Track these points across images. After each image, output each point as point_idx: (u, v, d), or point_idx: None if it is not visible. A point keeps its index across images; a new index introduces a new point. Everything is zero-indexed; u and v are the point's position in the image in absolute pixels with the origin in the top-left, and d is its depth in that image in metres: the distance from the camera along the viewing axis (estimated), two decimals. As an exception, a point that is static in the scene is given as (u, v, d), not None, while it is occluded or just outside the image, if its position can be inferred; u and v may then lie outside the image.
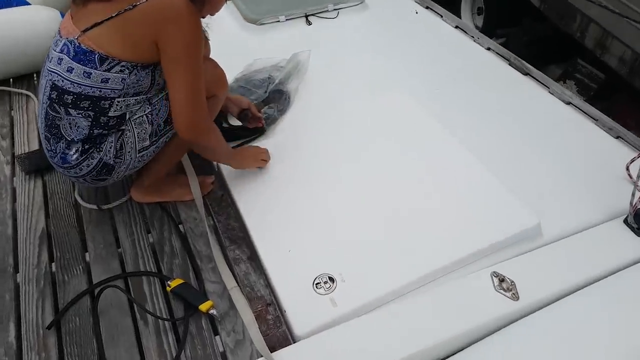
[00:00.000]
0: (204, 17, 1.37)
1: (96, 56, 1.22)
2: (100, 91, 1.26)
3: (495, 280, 1.26)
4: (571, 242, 1.37)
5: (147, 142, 1.38)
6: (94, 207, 1.56)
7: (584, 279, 1.28)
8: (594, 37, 3.12)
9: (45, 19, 2.07)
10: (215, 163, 1.66)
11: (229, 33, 2.28)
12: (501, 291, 1.24)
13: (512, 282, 1.26)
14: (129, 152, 1.36)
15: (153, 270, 1.39)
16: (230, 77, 1.88)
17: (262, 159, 1.59)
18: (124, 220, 1.52)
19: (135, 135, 1.35)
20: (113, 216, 1.54)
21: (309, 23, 2.32)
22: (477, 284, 1.26)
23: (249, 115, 1.70)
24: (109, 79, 1.25)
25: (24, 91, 2.04)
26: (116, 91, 1.27)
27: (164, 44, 1.22)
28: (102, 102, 1.27)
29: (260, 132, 1.73)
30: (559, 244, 1.36)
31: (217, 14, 1.39)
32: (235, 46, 2.16)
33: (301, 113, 1.84)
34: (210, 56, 1.54)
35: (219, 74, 1.48)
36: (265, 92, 1.77)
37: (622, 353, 1.13)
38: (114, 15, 1.19)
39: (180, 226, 1.51)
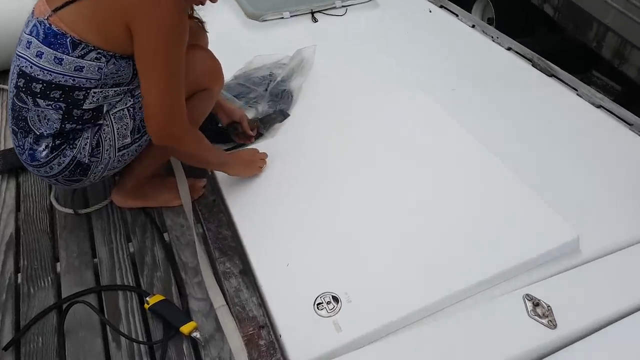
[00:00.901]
0: (203, 4, 1.23)
1: (68, 39, 1.08)
2: (73, 80, 1.11)
3: (529, 304, 1.08)
4: (615, 260, 1.19)
5: (129, 140, 1.22)
6: (70, 211, 1.39)
7: (632, 303, 1.10)
8: (611, 46, 3.00)
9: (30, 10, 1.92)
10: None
11: (229, 29, 2.13)
12: (536, 317, 1.06)
13: (549, 306, 1.08)
14: (107, 150, 1.21)
15: (131, 284, 1.23)
16: (228, 75, 1.74)
17: (258, 166, 1.42)
18: (102, 227, 1.36)
19: (115, 131, 1.20)
20: (91, 222, 1.38)
21: (315, 20, 2.19)
22: (508, 308, 1.08)
23: (238, 130, 1.54)
24: (83, 67, 1.10)
25: (4, 86, 1.89)
26: (92, 81, 1.12)
27: (136, 33, 1.07)
28: (76, 92, 1.12)
29: (257, 134, 1.57)
30: (600, 262, 1.18)
31: (216, 6, 1.25)
32: (236, 43, 2.01)
33: (305, 112, 1.68)
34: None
35: (214, 66, 1.34)
36: (266, 89, 1.62)
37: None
38: None
39: (165, 235, 1.34)
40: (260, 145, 1.48)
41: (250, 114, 1.62)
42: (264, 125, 1.58)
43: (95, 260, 1.28)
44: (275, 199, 1.36)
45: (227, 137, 1.55)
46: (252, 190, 1.38)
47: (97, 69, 1.11)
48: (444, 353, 1.02)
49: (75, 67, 1.09)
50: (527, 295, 1.09)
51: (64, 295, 1.20)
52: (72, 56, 1.08)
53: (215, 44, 1.45)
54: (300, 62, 1.75)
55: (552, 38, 3.62)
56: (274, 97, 1.62)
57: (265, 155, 1.45)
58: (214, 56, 1.34)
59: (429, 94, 1.68)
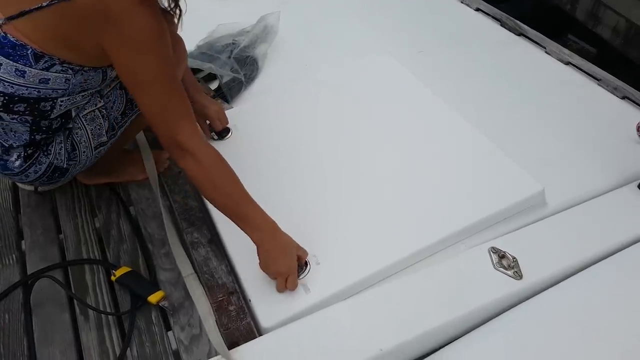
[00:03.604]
0: None
1: (29, 51, 0.96)
2: (38, 92, 1.01)
3: (495, 256, 1.08)
4: (579, 211, 1.20)
5: (105, 138, 1.19)
6: (32, 188, 1.36)
7: (596, 253, 1.11)
8: (585, 8, 2.99)
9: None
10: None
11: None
12: (501, 269, 1.07)
13: (514, 258, 1.09)
14: (84, 152, 1.17)
15: (97, 258, 1.21)
16: (192, 45, 1.70)
17: (292, 277, 1.06)
18: (67, 203, 1.33)
19: (89, 132, 1.15)
20: (55, 199, 1.35)
21: (280, -14, 2.12)
22: (474, 261, 1.09)
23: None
24: (49, 79, 1.00)
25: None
26: (59, 91, 1.03)
27: (114, 55, 0.96)
28: (42, 104, 1.03)
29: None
30: (565, 214, 1.19)
31: None
32: (199, 13, 1.91)
33: (271, 79, 1.66)
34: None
35: (177, 46, 1.25)
36: (229, 57, 1.59)
37: (641, 336, 0.97)
38: (44, 5, 0.92)
39: (131, 208, 1.32)
40: (226, 114, 1.45)
41: (213, 85, 1.59)
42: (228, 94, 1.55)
43: (61, 236, 1.26)
44: (241, 166, 1.32)
45: None
46: (219, 159, 1.36)
47: (64, 80, 1.02)
48: (411, 307, 1.02)
49: (40, 80, 0.99)
50: (493, 248, 1.10)
51: (29, 272, 1.18)
52: (35, 69, 0.97)
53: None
54: (264, 28, 1.71)
55: (529, 3, 3.60)
56: (239, 64, 1.59)
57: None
58: (182, 40, 1.26)
59: (396, 56, 1.66)
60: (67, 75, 1.01)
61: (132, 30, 0.92)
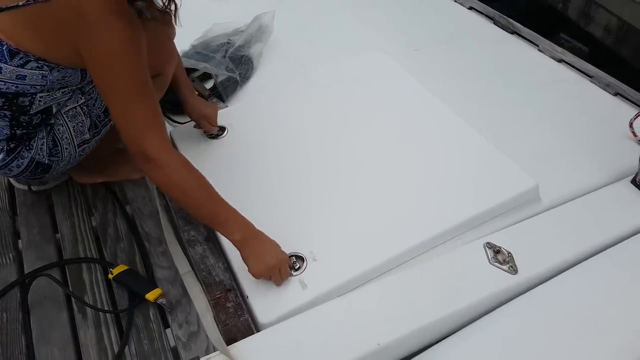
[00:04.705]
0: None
1: (4, 47, 0.98)
2: (16, 87, 1.03)
3: (490, 252, 1.09)
4: (574, 207, 1.21)
5: (88, 136, 1.19)
6: (27, 187, 1.36)
7: (590, 247, 1.12)
8: (577, 6, 3.01)
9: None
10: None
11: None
12: (496, 264, 1.08)
13: (509, 253, 1.10)
14: (66, 148, 1.17)
15: (94, 256, 1.20)
16: (187, 45, 1.71)
17: (284, 268, 1.06)
18: (63, 202, 1.34)
19: (71, 129, 1.15)
20: (51, 198, 1.35)
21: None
22: (469, 257, 1.09)
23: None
24: (26, 75, 1.02)
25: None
26: (37, 87, 1.04)
27: (85, 56, 0.97)
28: (20, 99, 1.04)
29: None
30: (560, 209, 1.20)
31: None
32: (194, 12, 1.93)
33: (265, 79, 1.66)
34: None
35: (168, 49, 1.27)
36: (224, 56, 1.59)
37: (635, 329, 0.98)
38: (20, 4, 0.94)
39: (127, 207, 1.32)
40: (222, 113, 1.46)
41: (209, 84, 1.60)
42: (223, 92, 1.55)
43: (57, 235, 1.27)
44: (236, 165, 1.34)
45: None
46: (214, 157, 1.36)
47: (40, 77, 1.03)
48: (408, 302, 1.03)
49: (16, 76, 1.01)
50: (488, 243, 1.11)
51: (26, 271, 1.18)
52: (10, 65, 0.99)
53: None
54: (259, 27, 1.72)
55: (521, 1, 3.62)
56: (234, 63, 1.60)
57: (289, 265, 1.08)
58: (169, 39, 1.27)
59: (392, 55, 1.67)
60: (44, 72, 1.03)
61: (102, 37, 0.93)
